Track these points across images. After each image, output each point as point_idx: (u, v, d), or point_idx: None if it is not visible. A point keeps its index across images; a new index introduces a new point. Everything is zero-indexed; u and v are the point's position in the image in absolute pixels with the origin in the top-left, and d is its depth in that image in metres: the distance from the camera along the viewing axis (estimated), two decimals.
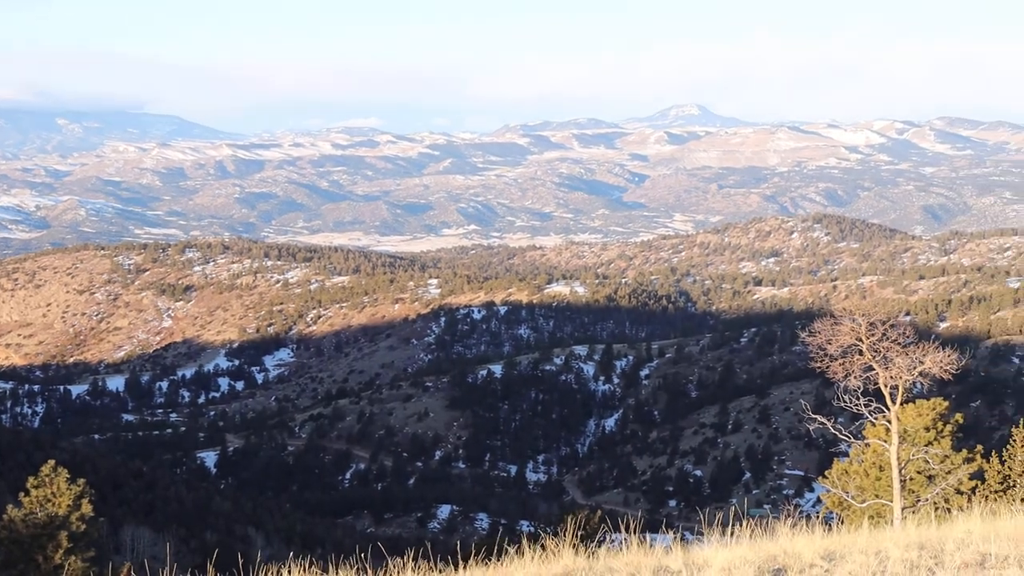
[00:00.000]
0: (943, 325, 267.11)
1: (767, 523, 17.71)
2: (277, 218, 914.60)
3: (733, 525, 17.86)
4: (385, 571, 17.11)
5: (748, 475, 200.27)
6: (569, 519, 20.82)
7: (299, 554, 19.16)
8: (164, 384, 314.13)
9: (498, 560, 16.69)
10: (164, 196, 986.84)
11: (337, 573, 17.10)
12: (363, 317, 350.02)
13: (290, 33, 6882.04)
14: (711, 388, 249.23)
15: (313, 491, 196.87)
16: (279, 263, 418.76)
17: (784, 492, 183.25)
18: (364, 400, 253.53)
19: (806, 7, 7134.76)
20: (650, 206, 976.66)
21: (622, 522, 19.38)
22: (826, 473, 40.83)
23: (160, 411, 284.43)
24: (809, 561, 13.97)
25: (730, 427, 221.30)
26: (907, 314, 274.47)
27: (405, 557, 17.19)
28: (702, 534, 18.57)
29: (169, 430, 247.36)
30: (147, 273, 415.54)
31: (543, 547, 16.16)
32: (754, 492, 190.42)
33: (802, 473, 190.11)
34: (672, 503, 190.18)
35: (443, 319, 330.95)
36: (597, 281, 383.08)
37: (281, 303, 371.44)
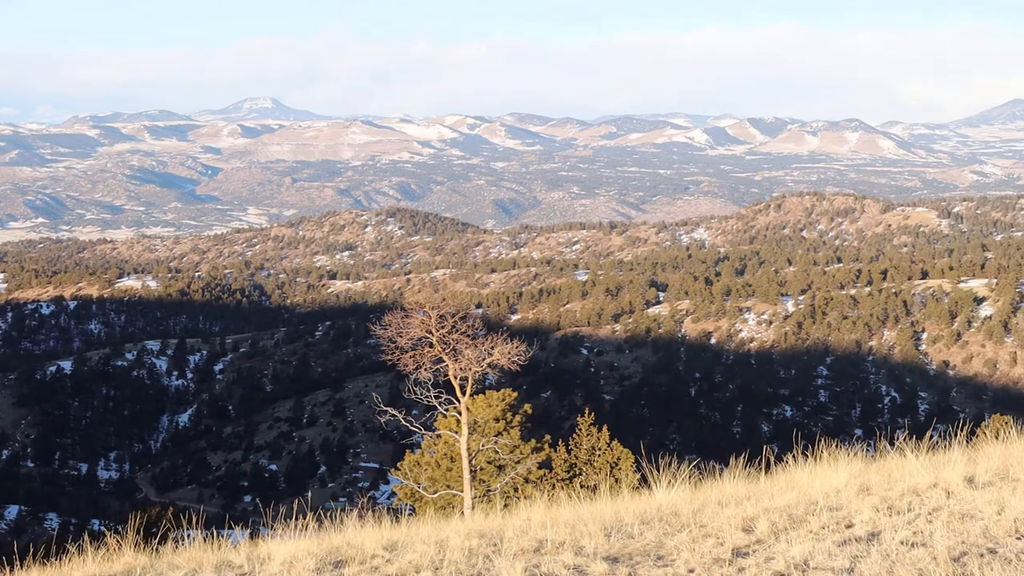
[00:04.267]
0: (514, 317, 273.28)
1: (339, 515, 17.70)
2: None
3: (301, 518, 17.79)
4: None
5: (324, 468, 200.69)
6: (134, 516, 20.32)
7: None
8: None
9: (58, 560, 16.15)
10: None
11: None
12: None
13: None
14: (286, 382, 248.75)
15: None
16: None
17: (360, 485, 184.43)
18: None
19: (379, 3, 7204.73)
20: (224, 199, 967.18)
21: (184, 517, 19.05)
22: (399, 465, 41.13)
23: None
24: (371, 552, 14.02)
25: (305, 421, 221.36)
26: (479, 307, 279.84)
27: None
28: (275, 528, 18.42)
29: None
30: None
31: (106, 545, 15.74)
32: (330, 485, 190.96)
33: (377, 465, 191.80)
34: (247, 498, 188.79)
35: (10, 314, 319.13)
36: (170, 275, 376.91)
37: None
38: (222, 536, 16.38)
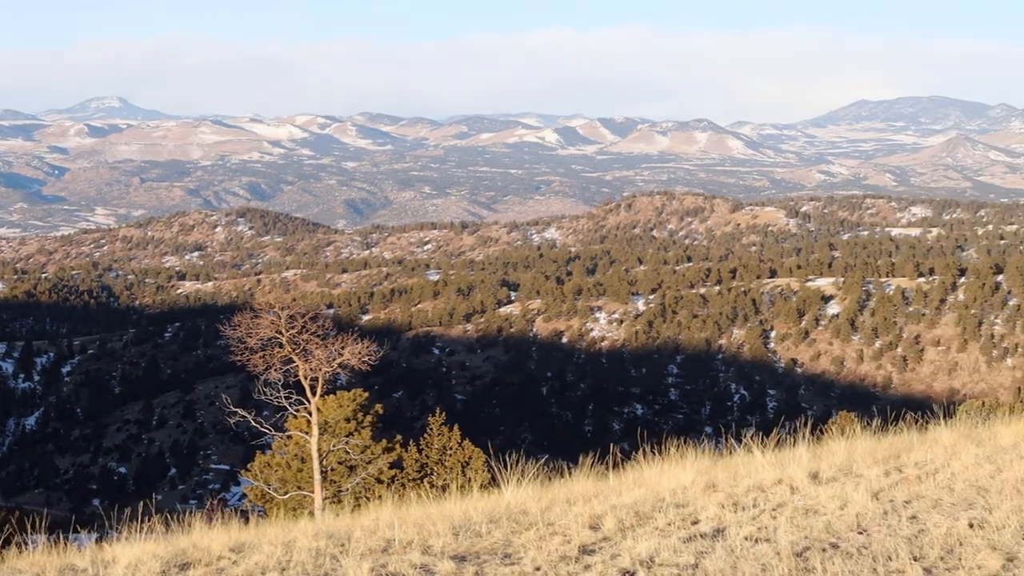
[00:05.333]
0: (366, 318, 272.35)
1: (187, 518, 17.53)
2: None
3: (149, 521, 17.59)
4: None
5: (174, 471, 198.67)
6: None
7: None
8: None
9: None
10: None
11: None
12: None
13: None
14: (135, 384, 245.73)
15: None
16: None
17: (211, 487, 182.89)
18: None
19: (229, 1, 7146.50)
20: (71, 199, 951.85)
21: (29, 521, 18.71)
22: (249, 466, 40.90)
23: None
24: (218, 554, 13.90)
25: (155, 423, 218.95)
26: (330, 307, 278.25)
27: None
28: (123, 532, 18.17)
29: None
30: None
31: None
32: (180, 487, 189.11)
33: (228, 467, 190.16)
34: (96, 501, 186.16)
35: None
36: (16, 276, 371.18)
37: None
38: (68, 540, 16.13)
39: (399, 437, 42.10)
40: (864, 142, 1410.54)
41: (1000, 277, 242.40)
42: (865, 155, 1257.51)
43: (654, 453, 19.48)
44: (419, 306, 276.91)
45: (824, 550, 12.22)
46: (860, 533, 12.85)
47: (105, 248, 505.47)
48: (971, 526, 12.72)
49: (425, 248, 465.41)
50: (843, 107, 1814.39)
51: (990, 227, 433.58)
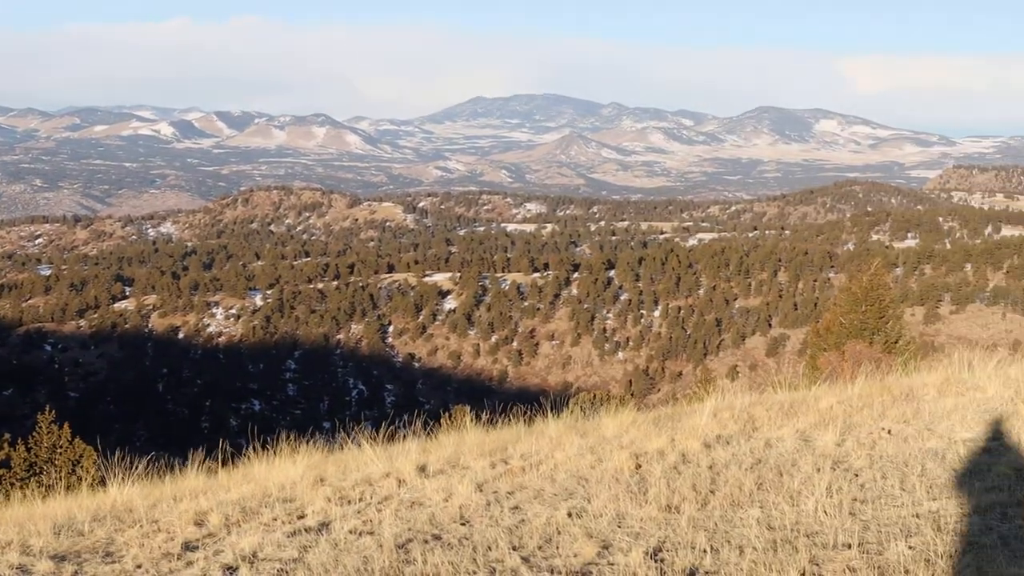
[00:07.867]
0: None
1: None
2: None
3: None
4: None
5: None
6: None
7: None
8: None
9: None
10: None
11: None
12: None
13: None
14: None
15: None
16: None
17: None
18: None
19: None
20: None
21: None
22: None
23: None
24: None
25: None
26: None
27: None
28: None
29: None
30: None
31: None
32: None
33: None
34: None
35: None
36: None
37: None
38: None
39: (7, 436, 40.92)
40: (481, 139, 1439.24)
41: (612, 272, 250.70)
42: (482, 152, 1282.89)
43: (267, 449, 19.48)
44: (30, 302, 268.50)
45: (426, 541, 12.44)
46: (463, 524, 13.11)
47: None
48: (570, 515, 13.10)
49: (36, 243, 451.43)
50: (460, 104, 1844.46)
51: (602, 223, 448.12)
